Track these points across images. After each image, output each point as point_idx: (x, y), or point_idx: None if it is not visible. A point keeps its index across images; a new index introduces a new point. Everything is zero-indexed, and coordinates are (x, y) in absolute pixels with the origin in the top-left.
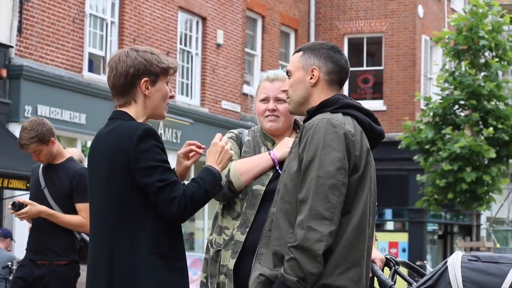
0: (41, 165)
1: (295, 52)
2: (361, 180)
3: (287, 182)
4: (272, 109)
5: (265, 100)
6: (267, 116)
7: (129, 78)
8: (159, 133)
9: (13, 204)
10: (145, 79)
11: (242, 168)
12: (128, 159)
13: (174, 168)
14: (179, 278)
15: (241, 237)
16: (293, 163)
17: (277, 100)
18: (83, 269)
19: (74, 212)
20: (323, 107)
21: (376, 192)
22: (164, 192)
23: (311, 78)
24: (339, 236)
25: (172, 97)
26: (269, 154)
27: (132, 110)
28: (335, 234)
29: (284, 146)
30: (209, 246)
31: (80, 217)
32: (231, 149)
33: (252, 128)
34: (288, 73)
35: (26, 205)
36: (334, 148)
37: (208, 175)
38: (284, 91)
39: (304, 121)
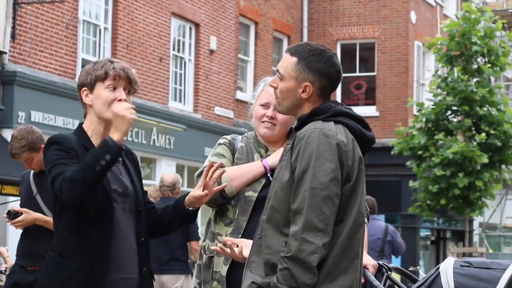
0: (32, 171)
1: (288, 52)
2: (354, 190)
3: (278, 191)
4: (270, 116)
5: (266, 105)
6: (263, 122)
7: (78, 92)
8: (151, 139)
9: (8, 212)
10: (84, 89)
11: (234, 174)
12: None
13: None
14: (66, 277)
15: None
16: (285, 172)
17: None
18: None
19: None
20: (314, 115)
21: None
22: (52, 187)
23: (303, 91)
24: (331, 245)
25: (120, 100)
26: (261, 161)
27: (87, 121)
28: (328, 246)
29: (278, 155)
30: (202, 252)
31: None
32: (131, 114)
33: (246, 134)
34: (278, 73)
35: (21, 213)
36: (327, 159)
37: (96, 148)
38: (273, 87)
39: (295, 128)
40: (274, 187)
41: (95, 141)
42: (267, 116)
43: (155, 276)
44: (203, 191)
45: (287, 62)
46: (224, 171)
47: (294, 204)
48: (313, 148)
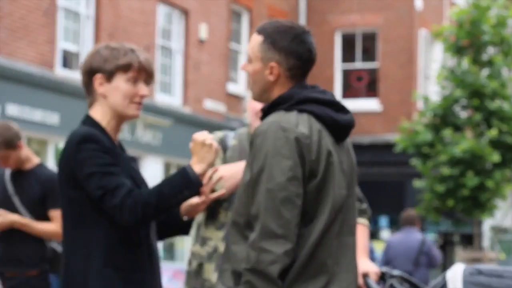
0: (7, 170)
1: (256, 32)
2: (322, 186)
3: (241, 193)
4: None
5: None
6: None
7: (86, 76)
8: (137, 133)
9: None
10: (98, 76)
11: (226, 175)
12: (72, 169)
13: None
14: None
15: None
16: (246, 171)
17: None
18: None
19: (46, 219)
20: (277, 104)
21: (359, 195)
22: (105, 201)
23: (270, 73)
24: (300, 249)
25: (142, 96)
26: None
27: (96, 111)
28: (293, 252)
29: None
30: (192, 258)
31: (54, 225)
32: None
33: (238, 130)
34: (248, 55)
35: None
36: (285, 156)
37: (175, 177)
38: (245, 70)
39: (261, 119)
40: (238, 190)
41: (113, 137)
42: None
43: None
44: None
45: (254, 42)
46: (222, 177)
47: (252, 208)
48: (269, 144)
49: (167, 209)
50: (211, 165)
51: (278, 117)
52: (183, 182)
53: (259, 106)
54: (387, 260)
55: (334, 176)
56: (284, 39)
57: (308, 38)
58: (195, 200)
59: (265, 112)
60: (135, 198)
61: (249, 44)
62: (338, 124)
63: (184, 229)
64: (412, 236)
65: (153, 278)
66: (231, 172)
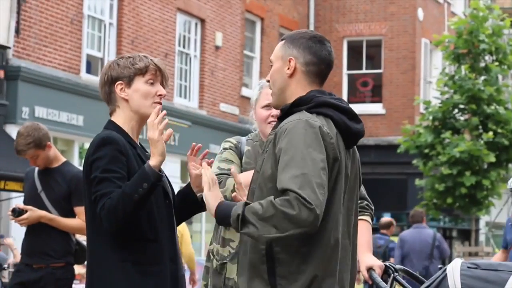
0: (36, 168)
1: (280, 40)
2: (334, 187)
3: (262, 185)
4: (276, 115)
5: (268, 107)
6: (269, 123)
7: (107, 86)
8: None
9: (13, 210)
10: (119, 83)
11: (246, 181)
12: (87, 170)
13: (189, 182)
14: (153, 283)
15: None
16: (268, 164)
17: None
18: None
19: (72, 215)
20: (297, 105)
21: (362, 195)
22: (96, 205)
23: (288, 68)
24: (314, 247)
25: (161, 95)
26: None
27: (118, 117)
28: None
29: None
30: (211, 255)
31: (79, 220)
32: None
33: (249, 136)
34: (271, 62)
35: (26, 211)
36: (315, 149)
37: (135, 175)
38: (268, 81)
39: (279, 119)
40: (258, 181)
41: (135, 139)
42: (272, 116)
43: None
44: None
45: (276, 48)
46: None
47: (280, 184)
48: (299, 138)
49: (135, 206)
50: (163, 158)
51: (304, 115)
52: (141, 177)
53: (265, 113)
54: (402, 255)
55: (342, 180)
56: (302, 37)
57: (326, 42)
58: (195, 172)
59: (285, 113)
60: (106, 206)
61: (273, 52)
62: (351, 131)
63: (201, 205)
64: (424, 232)
65: (174, 268)
66: (246, 181)
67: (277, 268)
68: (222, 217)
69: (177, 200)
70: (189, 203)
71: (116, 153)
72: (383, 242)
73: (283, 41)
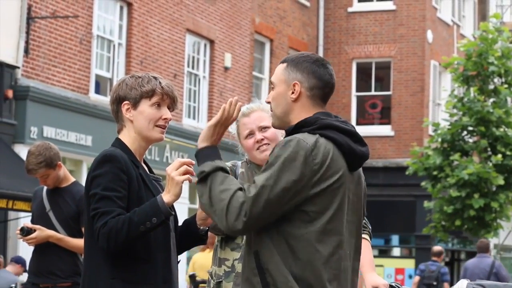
0: (44, 187)
1: (280, 63)
2: (327, 207)
3: None
4: (260, 139)
5: (250, 135)
6: (258, 148)
7: (115, 105)
8: (165, 155)
9: (22, 229)
10: (125, 103)
11: None
12: (88, 186)
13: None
14: None
15: None
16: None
17: (261, 129)
18: None
19: (80, 235)
20: (300, 127)
21: (363, 216)
22: (94, 222)
23: (292, 93)
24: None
25: (166, 119)
26: None
27: (125, 136)
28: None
29: None
30: (210, 278)
31: None
32: (182, 175)
33: (244, 159)
34: (271, 84)
35: (35, 230)
36: (290, 169)
37: (146, 206)
38: (268, 102)
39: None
40: None
41: (139, 159)
42: (257, 142)
43: None
44: None
45: (278, 70)
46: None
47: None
48: (285, 154)
49: (138, 235)
50: (177, 196)
51: (302, 136)
52: (152, 210)
53: (250, 142)
54: None
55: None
56: (306, 61)
57: (328, 65)
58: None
59: (289, 134)
60: (109, 226)
61: (274, 74)
62: (355, 154)
63: (202, 238)
64: (485, 261)
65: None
66: None
67: (268, 279)
68: (199, 158)
69: (180, 229)
70: (190, 234)
71: (118, 171)
72: (435, 268)
73: (285, 64)
